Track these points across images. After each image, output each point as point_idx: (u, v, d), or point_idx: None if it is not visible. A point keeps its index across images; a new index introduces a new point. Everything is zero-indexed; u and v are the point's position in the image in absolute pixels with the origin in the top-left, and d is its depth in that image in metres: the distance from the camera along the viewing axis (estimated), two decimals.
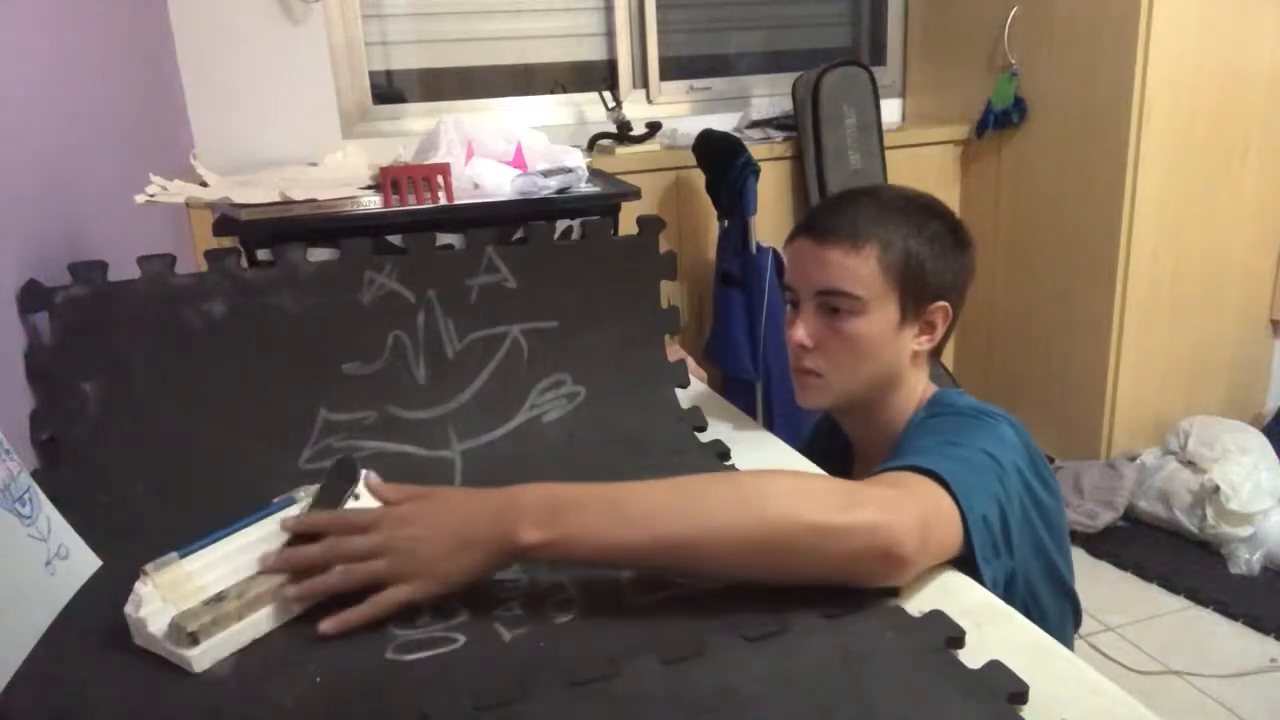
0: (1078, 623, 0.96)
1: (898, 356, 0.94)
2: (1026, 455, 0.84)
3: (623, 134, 2.41)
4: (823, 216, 0.96)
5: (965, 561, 0.70)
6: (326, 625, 0.61)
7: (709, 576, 0.64)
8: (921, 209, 0.95)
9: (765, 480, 0.66)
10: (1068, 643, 0.91)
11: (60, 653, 0.61)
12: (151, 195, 1.01)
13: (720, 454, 0.90)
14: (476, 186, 1.04)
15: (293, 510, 0.71)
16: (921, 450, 0.77)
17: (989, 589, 0.69)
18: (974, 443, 0.79)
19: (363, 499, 0.70)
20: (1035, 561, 0.83)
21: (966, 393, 0.98)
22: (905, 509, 0.64)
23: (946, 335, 0.98)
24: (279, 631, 0.62)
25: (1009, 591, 0.77)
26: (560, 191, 1.04)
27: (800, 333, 0.94)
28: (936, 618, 0.60)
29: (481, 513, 0.63)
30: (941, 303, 0.94)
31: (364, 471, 0.71)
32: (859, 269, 0.91)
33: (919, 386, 0.97)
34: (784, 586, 0.62)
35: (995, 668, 0.55)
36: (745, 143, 2.29)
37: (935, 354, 0.99)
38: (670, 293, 2.34)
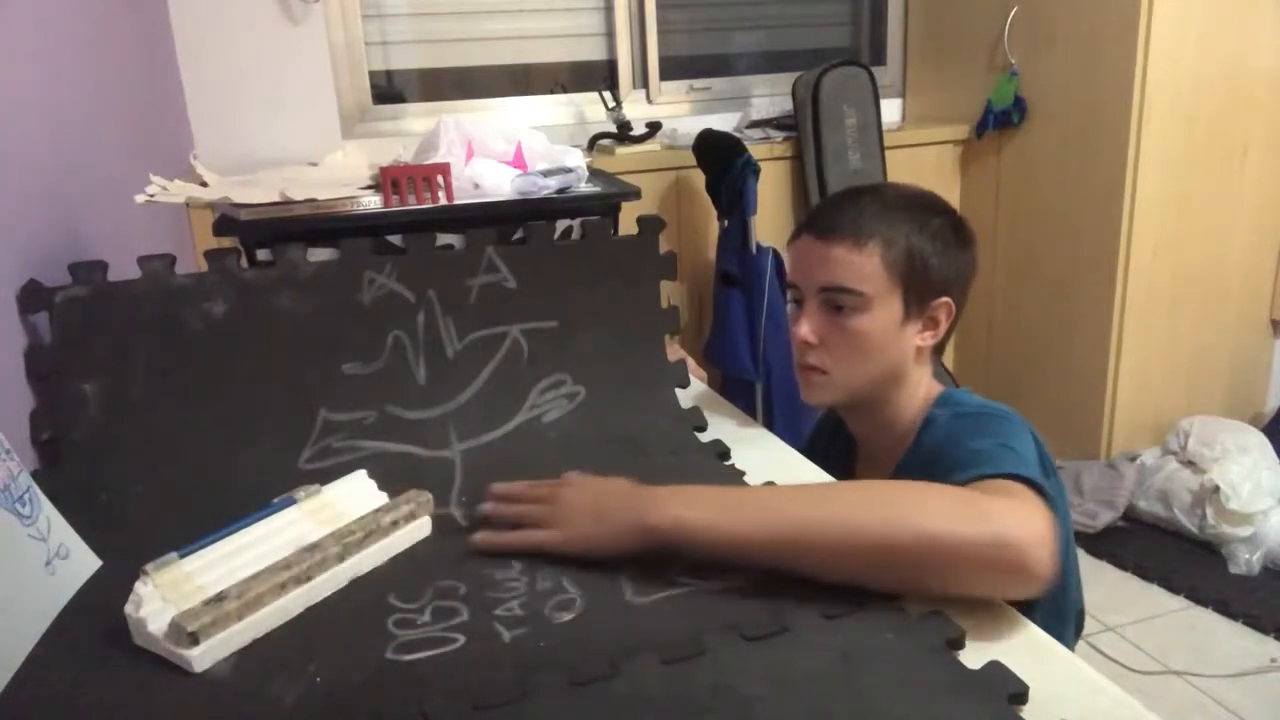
0: (1080, 627, 0.96)
1: (902, 353, 0.95)
2: (1039, 456, 0.85)
3: (623, 134, 2.41)
4: (826, 214, 0.96)
5: None
6: (480, 538, 0.71)
7: (830, 578, 0.63)
8: (924, 206, 0.96)
9: (894, 489, 0.67)
10: (1068, 645, 0.91)
11: (60, 653, 0.61)
12: (151, 195, 1.01)
13: (720, 454, 0.90)
14: (476, 186, 1.04)
15: (293, 510, 0.71)
16: (986, 455, 0.76)
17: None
18: (1020, 444, 0.80)
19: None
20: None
21: (971, 391, 0.98)
22: (1035, 524, 0.62)
23: (949, 331, 0.98)
24: (279, 631, 0.62)
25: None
26: (560, 191, 1.04)
27: (804, 329, 0.94)
28: (936, 618, 0.60)
29: (620, 496, 0.70)
30: (945, 299, 0.95)
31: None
32: (863, 265, 0.91)
33: (923, 383, 0.98)
34: (794, 581, 0.63)
35: (995, 668, 0.55)
36: (745, 143, 2.28)
37: (938, 350, 1.00)
38: (670, 293, 2.34)
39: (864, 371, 0.95)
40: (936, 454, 0.85)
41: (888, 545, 0.61)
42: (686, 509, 0.66)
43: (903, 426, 0.97)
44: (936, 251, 0.93)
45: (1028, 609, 0.81)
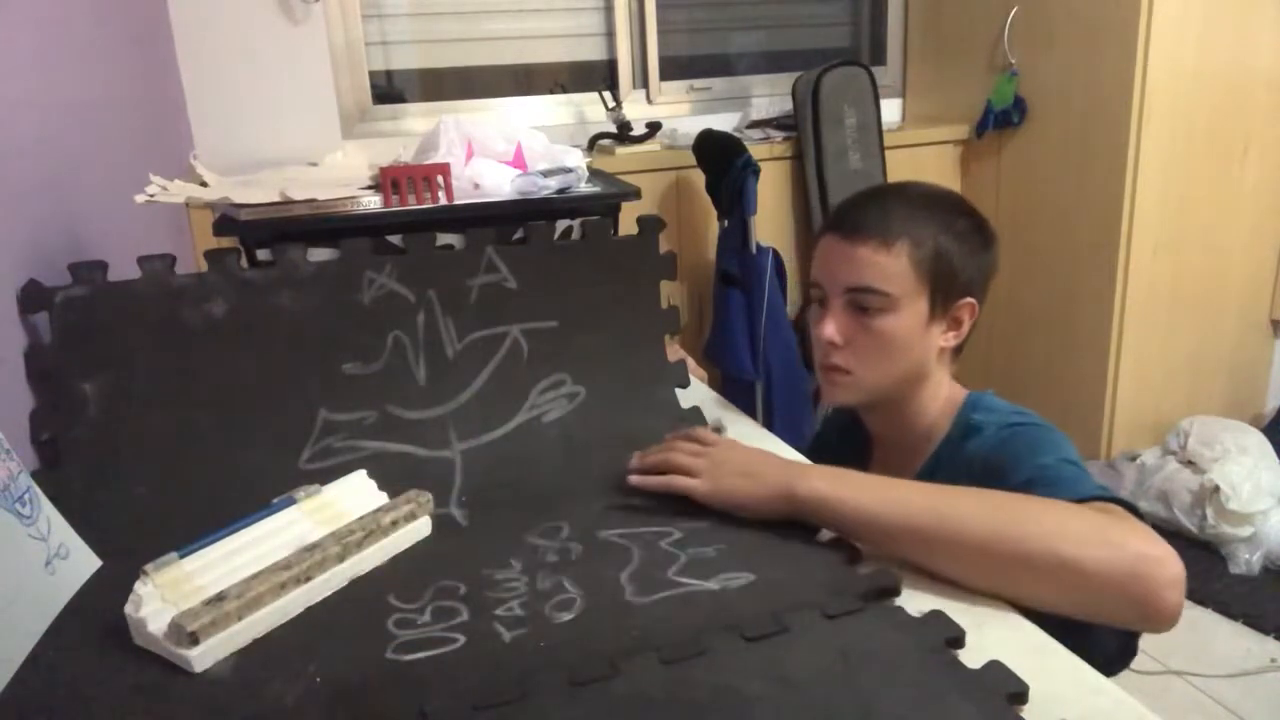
0: (1131, 655, 0.92)
1: (926, 353, 0.95)
2: None
3: (623, 134, 2.41)
4: (851, 214, 0.95)
5: None
6: (634, 478, 0.78)
7: (953, 574, 0.65)
8: (950, 206, 0.96)
9: (1031, 501, 0.67)
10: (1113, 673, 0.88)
11: (60, 653, 0.61)
12: (151, 195, 1.01)
13: None
14: (476, 186, 1.04)
15: (293, 510, 0.71)
16: (1061, 475, 0.78)
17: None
18: (1079, 460, 0.81)
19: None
20: None
21: (995, 394, 0.99)
22: (1168, 563, 0.63)
23: (970, 332, 0.98)
24: (279, 631, 0.62)
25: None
26: (560, 191, 1.04)
27: (830, 329, 0.94)
28: (936, 618, 0.60)
29: (770, 461, 0.75)
30: (969, 299, 0.95)
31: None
32: (890, 266, 0.91)
33: (944, 384, 0.98)
34: (793, 582, 0.64)
35: (995, 668, 0.55)
36: (745, 143, 2.28)
37: (958, 351, 1.00)
38: (670, 293, 2.34)
39: (888, 372, 0.94)
40: (993, 465, 0.86)
41: (1019, 553, 0.62)
42: (830, 484, 0.69)
43: (924, 426, 0.97)
44: (962, 252, 0.93)
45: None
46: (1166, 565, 0.62)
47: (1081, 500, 0.71)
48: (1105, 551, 0.61)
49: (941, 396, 0.97)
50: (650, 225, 1.00)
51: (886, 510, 0.67)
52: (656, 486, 0.77)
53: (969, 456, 0.91)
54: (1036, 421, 0.90)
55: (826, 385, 0.98)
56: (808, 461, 0.77)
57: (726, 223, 2.31)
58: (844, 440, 1.10)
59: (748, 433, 0.98)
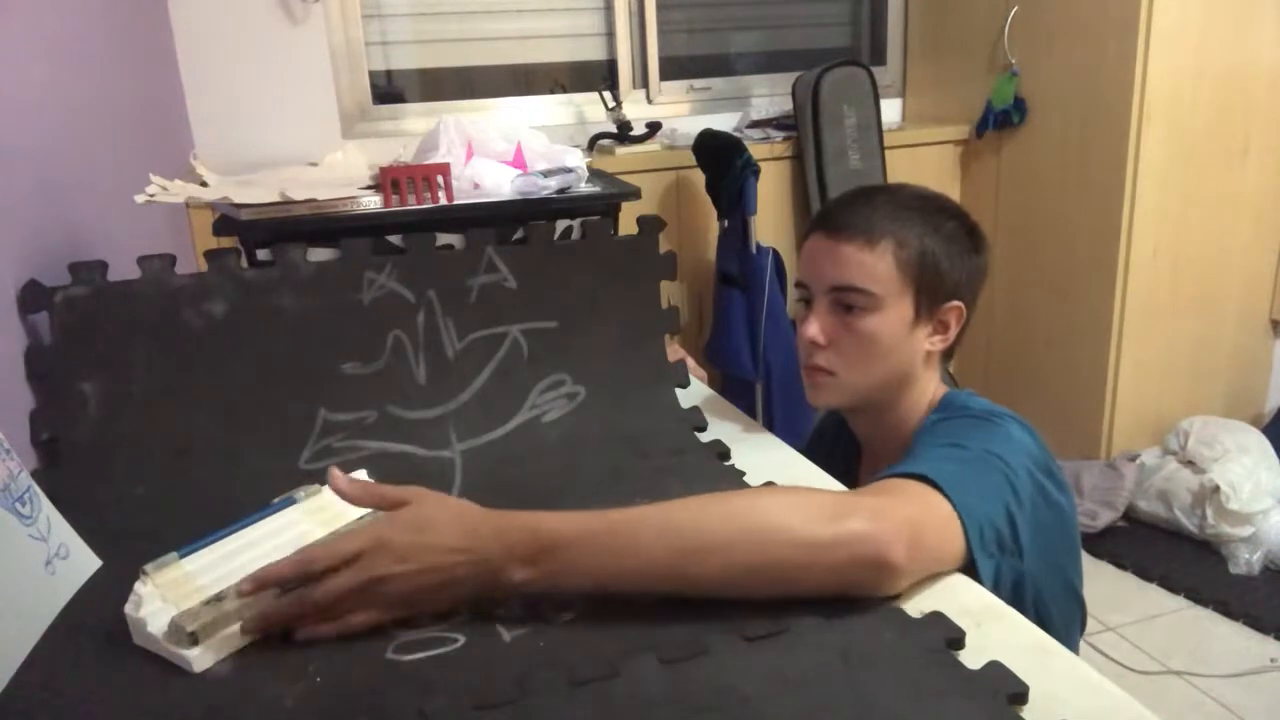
0: (1083, 626, 0.95)
1: (911, 356, 0.94)
2: (1038, 456, 0.83)
3: (623, 134, 2.41)
4: (837, 213, 0.95)
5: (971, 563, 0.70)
6: (301, 634, 0.60)
7: (707, 595, 0.62)
8: (938, 209, 0.95)
9: (753, 498, 0.66)
10: (1073, 647, 0.91)
11: (60, 653, 0.61)
12: (151, 195, 1.01)
13: (720, 454, 0.90)
14: (476, 186, 1.04)
15: (293, 510, 0.71)
16: (923, 456, 0.76)
17: (987, 585, 0.69)
18: (980, 444, 0.79)
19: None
20: (1046, 565, 0.82)
21: (976, 394, 0.98)
22: (891, 516, 0.63)
23: (959, 337, 0.97)
24: (279, 632, 0.62)
25: (1017, 595, 0.77)
26: (560, 191, 1.04)
27: (813, 329, 0.93)
28: (936, 618, 0.60)
29: (466, 550, 0.61)
30: (955, 302, 0.94)
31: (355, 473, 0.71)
32: (874, 265, 0.90)
33: (930, 387, 0.97)
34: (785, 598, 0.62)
35: (995, 668, 0.55)
36: (745, 143, 2.28)
37: (947, 355, 0.99)
38: (670, 293, 2.34)
39: (872, 373, 0.93)
40: (907, 457, 0.85)
41: (753, 558, 0.61)
42: (554, 564, 0.61)
43: (909, 431, 0.96)
44: (949, 254, 0.92)
45: (1039, 609, 0.81)
46: (888, 518, 0.62)
47: (894, 476, 0.71)
48: (834, 525, 0.61)
49: (927, 401, 0.96)
50: (650, 225, 1.00)
51: (618, 574, 0.61)
52: (323, 634, 0.60)
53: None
54: (983, 415, 0.88)
55: (810, 387, 0.97)
56: (800, 452, 0.75)
57: (726, 223, 2.31)
58: (836, 443, 1.10)
59: (748, 433, 0.99)
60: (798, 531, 0.61)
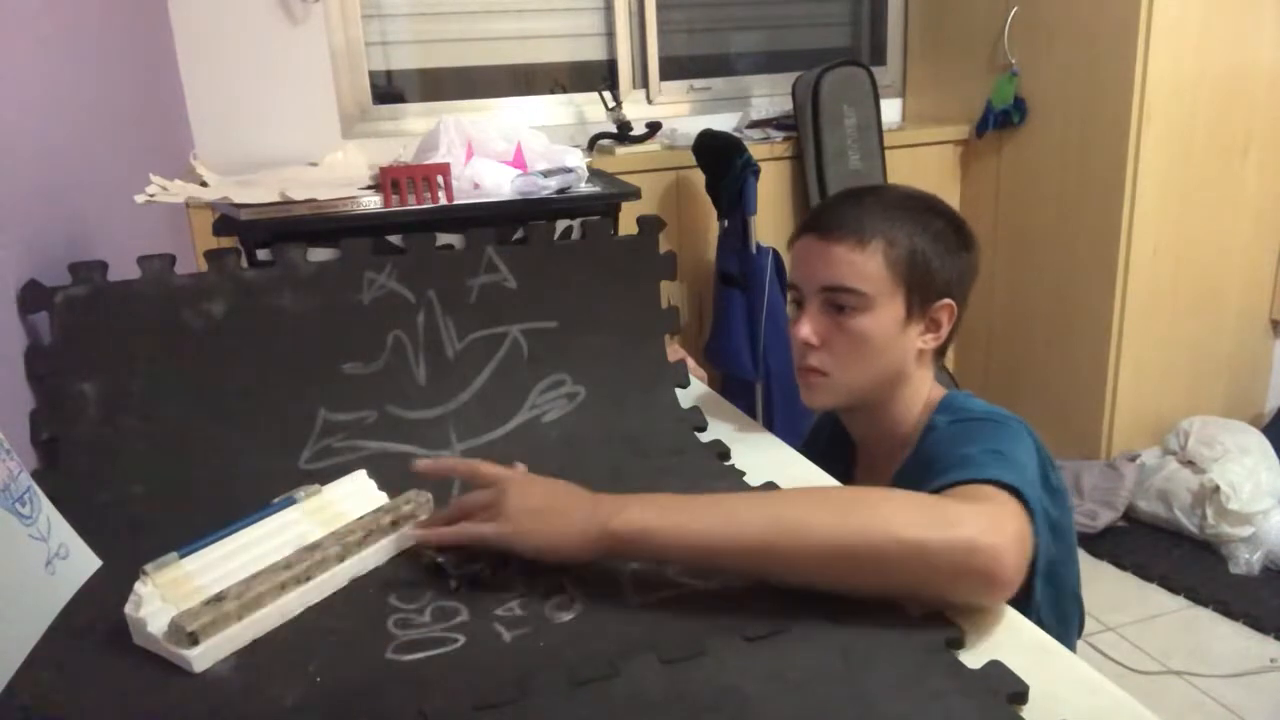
0: (1081, 628, 0.95)
1: (904, 355, 0.94)
2: (1040, 459, 0.84)
3: (623, 134, 2.41)
4: (827, 214, 0.96)
5: None
6: (420, 532, 0.70)
7: (796, 582, 0.62)
8: (926, 208, 0.95)
9: (862, 494, 0.66)
10: (1070, 647, 0.91)
11: (60, 653, 0.61)
12: (151, 195, 1.01)
13: (720, 454, 0.90)
14: (476, 186, 1.04)
15: (293, 510, 0.71)
16: (973, 460, 0.76)
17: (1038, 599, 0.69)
18: (1014, 450, 0.79)
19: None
20: (1042, 568, 0.82)
21: (974, 395, 0.98)
22: (1005, 529, 0.62)
23: (951, 335, 0.97)
24: (279, 631, 0.62)
25: (1025, 596, 0.77)
26: (560, 191, 1.04)
27: (805, 330, 0.93)
28: (937, 618, 0.60)
29: (582, 494, 0.68)
30: (946, 300, 0.94)
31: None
32: (865, 265, 0.91)
33: (924, 387, 0.97)
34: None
35: (995, 668, 0.55)
36: (745, 143, 2.28)
37: (940, 354, 0.99)
38: (670, 293, 2.34)
39: (865, 373, 0.94)
40: (931, 460, 0.84)
41: (856, 551, 0.60)
42: (650, 514, 0.64)
43: (904, 431, 0.97)
44: (938, 253, 0.93)
45: (1032, 608, 0.82)
46: (1002, 530, 0.61)
47: (970, 482, 0.71)
48: (939, 530, 0.60)
49: (921, 400, 0.96)
50: (650, 225, 1.00)
51: (722, 531, 0.62)
52: (447, 538, 0.69)
53: (922, 457, 0.90)
54: (994, 417, 0.88)
55: (804, 388, 0.97)
56: (800, 459, 0.76)
57: (726, 223, 2.31)
58: (832, 443, 1.10)
59: (748, 433, 0.99)
60: (905, 530, 0.60)
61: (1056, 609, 0.87)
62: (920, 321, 0.94)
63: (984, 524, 0.61)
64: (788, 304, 1.00)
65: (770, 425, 2.03)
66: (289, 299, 0.89)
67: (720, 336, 2.34)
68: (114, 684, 0.57)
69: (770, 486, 0.80)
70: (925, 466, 0.84)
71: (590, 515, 0.65)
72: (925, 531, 0.60)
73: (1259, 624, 1.95)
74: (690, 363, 1.10)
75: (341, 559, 0.68)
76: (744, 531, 0.62)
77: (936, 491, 0.71)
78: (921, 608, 0.61)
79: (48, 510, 0.68)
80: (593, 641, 0.59)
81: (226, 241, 0.98)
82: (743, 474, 0.84)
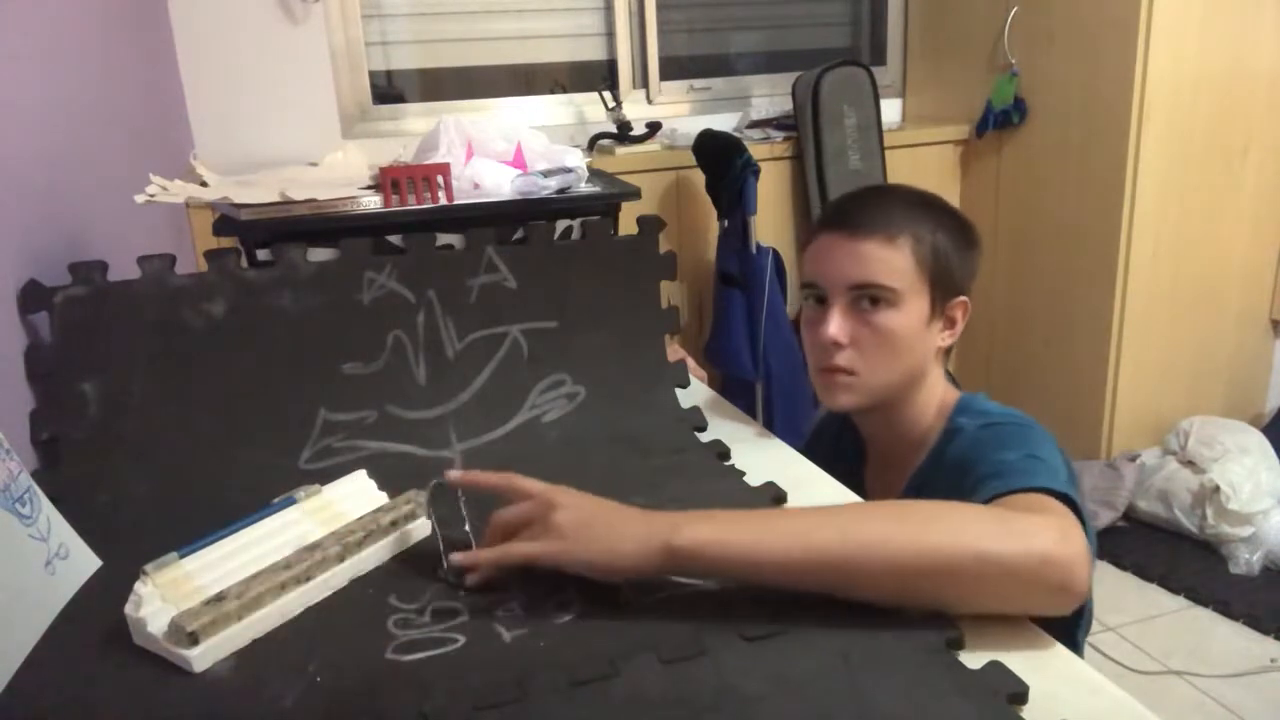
0: (1088, 625, 0.95)
1: (926, 353, 0.94)
2: (1065, 460, 0.84)
3: (623, 134, 2.41)
4: (852, 211, 0.94)
5: None
6: (458, 557, 0.66)
7: (862, 597, 0.61)
8: (939, 207, 0.96)
9: (935, 507, 0.64)
10: (1079, 645, 0.91)
11: (60, 653, 0.61)
12: (151, 195, 1.01)
13: (720, 454, 0.90)
14: (476, 186, 1.04)
15: (293, 510, 0.71)
16: (1015, 468, 0.76)
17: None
18: (1050, 454, 0.79)
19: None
20: None
21: (986, 397, 0.98)
22: (1075, 541, 0.61)
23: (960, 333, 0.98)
24: (279, 631, 0.62)
25: None
26: (560, 191, 1.04)
27: (834, 328, 0.91)
28: (936, 618, 0.60)
29: (632, 513, 0.64)
30: (962, 297, 0.95)
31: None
32: (895, 261, 0.90)
33: (939, 386, 0.97)
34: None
35: (995, 668, 0.55)
36: (745, 143, 2.28)
37: (948, 352, 0.99)
38: (670, 293, 2.34)
39: (893, 371, 0.93)
40: (964, 465, 0.84)
41: (936, 566, 0.59)
42: (716, 528, 0.61)
43: (919, 431, 0.96)
44: (956, 249, 0.93)
45: (1049, 625, 0.81)
46: (1072, 542, 0.61)
47: (1023, 490, 0.71)
48: (1014, 543, 0.60)
49: (936, 399, 0.96)
50: (650, 225, 1.00)
51: (789, 545, 0.60)
52: (491, 563, 0.65)
53: (949, 461, 0.89)
54: (1019, 421, 0.89)
55: (827, 388, 0.95)
56: (800, 459, 0.75)
57: (726, 223, 2.31)
58: (838, 444, 1.09)
59: (748, 433, 0.99)
60: (980, 542, 0.59)
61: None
62: (940, 318, 0.94)
63: (1055, 536, 0.61)
64: (802, 303, 0.98)
65: (770, 425, 2.03)
66: (289, 299, 0.89)
67: (720, 336, 2.34)
68: (114, 684, 0.57)
69: (770, 487, 0.80)
70: (956, 470, 0.84)
71: (648, 530, 0.62)
72: (1001, 544, 0.59)
73: (1259, 624, 1.95)
74: (690, 363, 1.10)
75: (341, 559, 0.68)
76: (810, 547, 0.60)
77: (986, 501, 0.71)
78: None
79: (48, 510, 0.68)
80: (593, 641, 0.59)
81: (226, 241, 0.98)
82: (743, 474, 0.84)
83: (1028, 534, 0.60)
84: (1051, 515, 0.66)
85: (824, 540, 0.60)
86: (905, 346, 0.92)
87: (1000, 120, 2.46)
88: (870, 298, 0.91)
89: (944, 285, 0.93)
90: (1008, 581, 0.59)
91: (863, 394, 0.94)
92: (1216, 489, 2.13)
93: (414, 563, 0.71)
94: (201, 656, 0.58)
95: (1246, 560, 2.10)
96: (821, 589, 0.61)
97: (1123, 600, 2.07)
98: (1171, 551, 2.21)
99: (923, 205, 0.94)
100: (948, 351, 0.99)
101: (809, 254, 0.97)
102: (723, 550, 0.61)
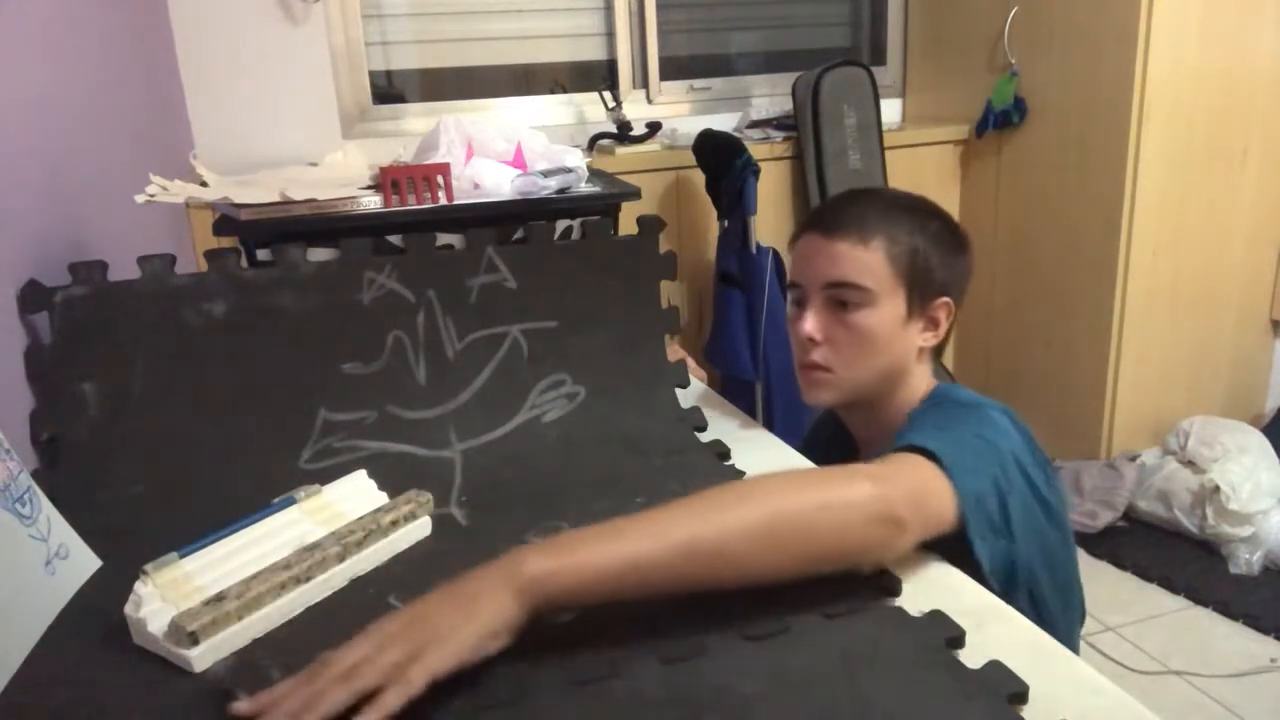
0: (1082, 616, 0.96)
1: (904, 351, 0.95)
2: (1025, 446, 0.84)
3: (623, 134, 2.41)
4: (829, 213, 0.97)
5: (963, 545, 0.71)
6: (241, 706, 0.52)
7: (725, 579, 0.61)
8: (923, 209, 0.98)
9: (763, 478, 0.68)
10: (1073, 636, 0.92)
11: (60, 653, 0.61)
12: (151, 195, 1.01)
13: (720, 454, 0.90)
14: (476, 186, 1.04)
15: (293, 510, 0.71)
16: (913, 432, 0.78)
17: (985, 569, 0.71)
18: (967, 428, 0.81)
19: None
20: (1037, 549, 0.83)
21: (965, 387, 0.99)
22: (893, 478, 0.68)
23: (948, 334, 0.99)
24: (279, 631, 0.62)
25: (1010, 578, 0.78)
26: (560, 191, 1.04)
27: (808, 326, 0.94)
28: (936, 618, 0.60)
29: (477, 570, 0.58)
30: (945, 299, 0.96)
31: None
32: (868, 261, 0.92)
33: (923, 383, 0.98)
34: (794, 581, 0.62)
35: (995, 668, 0.55)
36: (745, 143, 2.28)
37: (937, 352, 1.00)
38: (670, 293, 2.34)
39: (867, 369, 0.95)
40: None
41: (775, 524, 0.62)
42: (559, 555, 0.58)
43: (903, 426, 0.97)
44: (937, 252, 0.95)
45: (1034, 598, 0.82)
46: (896, 481, 0.68)
47: (899, 450, 0.74)
48: (847, 487, 0.65)
49: (919, 395, 0.98)
50: (650, 225, 1.00)
51: (643, 552, 0.59)
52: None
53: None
54: (968, 403, 0.90)
55: (805, 385, 0.98)
56: (800, 459, 0.76)
57: (726, 223, 2.31)
58: (833, 442, 1.10)
59: (748, 433, 0.99)
60: (812, 495, 0.64)
61: (1058, 594, 0.87)
62: (920, 319, 0.96)
63: (876, 477, 0.67)
64: (788, 303, 1.01)
65: (770, 425, 2.03)
66: (289, 299, 0.89)
67: (720, 336, 2.34)
68: (114, 684, 0.57)
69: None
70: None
71: (496, 577, 0.57)
72: (830, 490, 0.65)
73: (1259, 624, 1.95)
74: (690, 363, 1.10)
75: (341, 559, 0.68)
76: (666, 541, 0.60)
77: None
78: (872, 567, 0.66)
79: (48, 510, 0.68)
80: (593, 641, 0.59)
81: (226, 241, 0.98)
82: (743, 474, 0.84)
83: (850, 479, 0.66)
84: (890, 464, 0.71)
85: (673, 528, 0.61)
86: (880, 345, 0.94)
87: (1000, 120, 2.46)
88: (844, 297, 0.93)
89: (922, 286, 0.94)
90: (841, 521, 0.64)
91: (838, 390, 0.97)
92: (1216, 489, 2.13)
93: (414, 563, 0.71)
94: (201, 656, 0.58)
95: (1246, 560, 2.10)
96: (689, 584, 0.61)
97: (1123, 600, 2.07)
98: (1171, 551, 2.20)
99: (903, 208, 0.96)
100: (938, 352, 1.00)
101: (793, 255, 1.01)
102: (576, 573, 0.58)
